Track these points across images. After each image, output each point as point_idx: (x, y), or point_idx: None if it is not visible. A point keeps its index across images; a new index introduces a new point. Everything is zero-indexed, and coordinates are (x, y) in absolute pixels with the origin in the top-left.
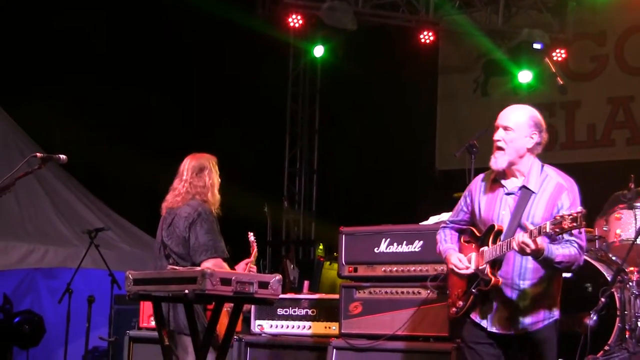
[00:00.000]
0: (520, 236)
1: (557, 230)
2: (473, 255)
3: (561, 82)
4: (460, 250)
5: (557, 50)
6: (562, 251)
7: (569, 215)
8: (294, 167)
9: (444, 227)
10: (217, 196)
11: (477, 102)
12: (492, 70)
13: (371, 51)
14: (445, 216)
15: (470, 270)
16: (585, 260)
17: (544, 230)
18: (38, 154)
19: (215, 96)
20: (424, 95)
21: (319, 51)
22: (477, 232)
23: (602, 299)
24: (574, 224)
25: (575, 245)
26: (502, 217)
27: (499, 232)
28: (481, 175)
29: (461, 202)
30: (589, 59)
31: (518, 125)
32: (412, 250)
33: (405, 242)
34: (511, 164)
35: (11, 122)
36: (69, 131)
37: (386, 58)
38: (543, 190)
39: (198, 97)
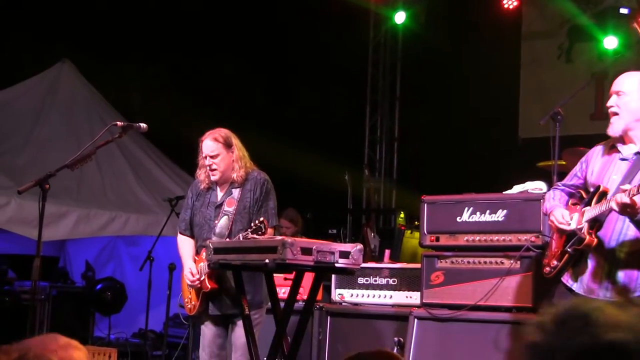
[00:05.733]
0: (619, 196)
1: None
2: (575, 215)
3: None
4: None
5: None
6: None
7: None
8: (375, 135)
9: (555, 188)
10: (199, 176)
11: (562, 68)
12: (577, 36)
13: (453, 17)
14: (529, 185)
15: (570, 228)
16: None
17: (632, 193)
18: (119, 122)
19: (295, 64)
20: (507, 62)
21: (400, 18)
22: (585, 195)
23: None
24: None
25: None
26: (612, 182)
27: (604, 193)
28: (601, 143)
29: (577, 167)
30: None
31: (630, 89)
32: (495, 219)
33: (488, 212)
34: (627, 129)
35: (93, 91)
36: (150, 99)
37: (468, 24)
38: None
39: (278, 65)
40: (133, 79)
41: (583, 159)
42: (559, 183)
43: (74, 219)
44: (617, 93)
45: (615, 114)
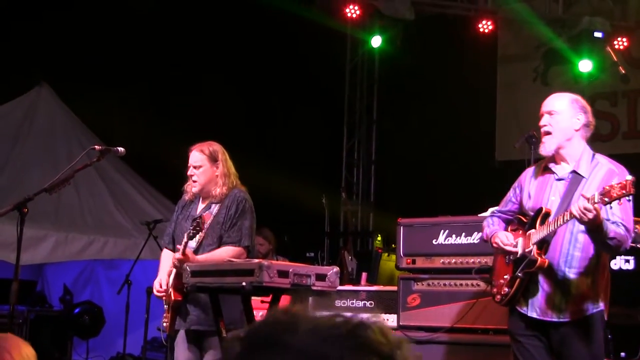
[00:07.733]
0: (581, 202)
1: (606, 199)
2: (520, 239)
3: (623, 72)
4: None
5: (619, 39)
6: (614, 227)
7: (618, 184)
8: (352, 158)
9: (492, 215)
10: (186, 187)
11: (537, 91)
12: (552, 59)
13: (429, 41)
14: None
15: (517, 249)
16: None
17: (593, 201)
18: (97, 146)
19: (273, 87)
20: (483, 85)
21: (376, 41)
22: (524, 219)
23: None
24: (623, 192)
25: (622, 227)
26: (552, 203)
27: (547, 214)
28: (532, 167)
29: (510, 192)
30: None
31: (562, 109)
32: (471, 242)
33: (463, 234)
34: (560, 148)
35: (71, 114)
36: (128, 123)
37: (444, 48)
38: (594, 176)
39: (257, 88)
40: (111, 102)
41: (516, 184)
42: (494, 210)
43: (52, 242)
44: (550, 113)
45: (548, 133)
